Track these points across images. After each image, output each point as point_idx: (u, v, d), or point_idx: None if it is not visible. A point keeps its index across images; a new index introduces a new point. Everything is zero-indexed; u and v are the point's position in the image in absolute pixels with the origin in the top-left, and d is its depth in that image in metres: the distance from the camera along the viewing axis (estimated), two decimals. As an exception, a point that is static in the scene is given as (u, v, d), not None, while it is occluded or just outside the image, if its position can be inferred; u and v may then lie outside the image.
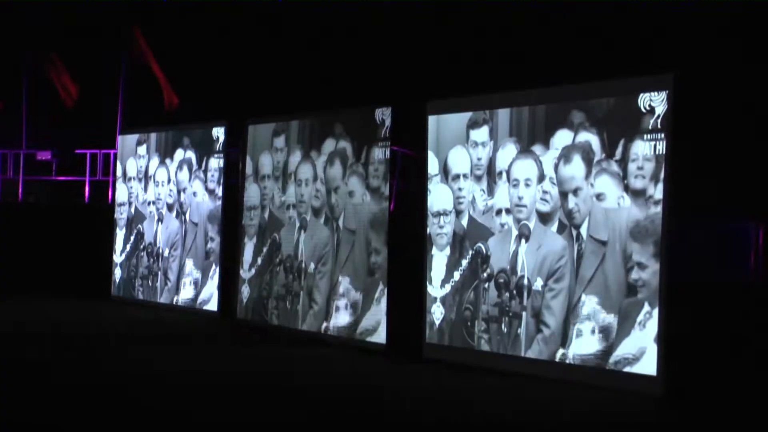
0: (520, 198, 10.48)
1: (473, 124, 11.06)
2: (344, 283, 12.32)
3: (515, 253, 10.44)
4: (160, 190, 16.39)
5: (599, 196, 9.68)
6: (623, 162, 9.52)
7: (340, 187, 12.56)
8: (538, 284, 10.17)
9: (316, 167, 13.08)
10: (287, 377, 10.22)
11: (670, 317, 9.09)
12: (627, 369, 9.29)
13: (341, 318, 12.33)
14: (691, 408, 8.93)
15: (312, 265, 12.96)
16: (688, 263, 9.75)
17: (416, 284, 11.54)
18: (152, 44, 18.94)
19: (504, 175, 10.64)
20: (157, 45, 19.27)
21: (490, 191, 10.76)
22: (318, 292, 12.82)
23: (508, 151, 10.65)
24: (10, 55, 20.13)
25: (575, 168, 9.93)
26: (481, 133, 10.98)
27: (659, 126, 9.30)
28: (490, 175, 10.79)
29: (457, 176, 11.17)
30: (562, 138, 10.09)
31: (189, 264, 15.47)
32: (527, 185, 10.43)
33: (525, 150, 10.50)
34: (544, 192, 10.21)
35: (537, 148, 10.34)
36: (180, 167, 15.92)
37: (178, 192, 15.89)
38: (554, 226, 10.08)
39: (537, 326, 10.14)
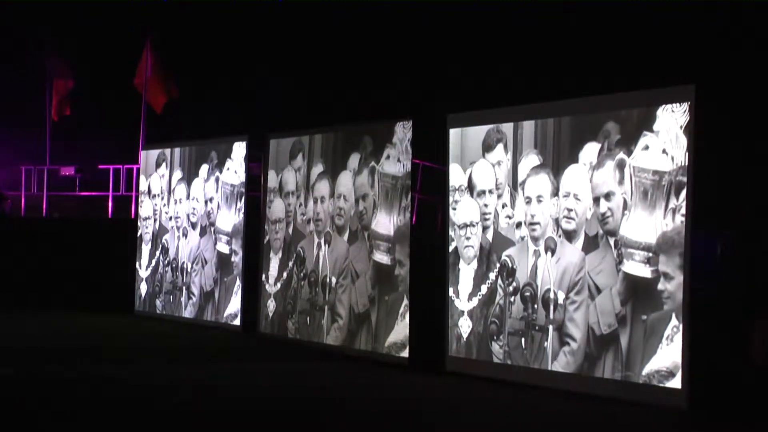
0: (533, 216, 10.52)
1: (487, 148, 11.09)
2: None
3: (535, 266, 10.47)
4: (181, 207, 16.45)
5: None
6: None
7: (368, 195, 12.58)
8: (560, 297, 10.20)
9: (341, 182, 13.12)
10: (307, 392, 10.24)
11: (694, 329, 9.07)
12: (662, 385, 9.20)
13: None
14: (716, 422, 8.89)
15: (334, 279, 13.02)
16: (712, 274, 9.73)
17: (439, 297, 11.56)
18: (163, 58, 19.09)
19: (522, 187, 10.70)
20: (177, 60, 19.43)
21: (513, 203, 10.79)
22: (341, 305, 12.88)
23: (530, 161, 10.66)
24: (33, 69, 20.34)
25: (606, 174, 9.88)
26: (495, 154, 11.01)
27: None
28: (514, 187, 10.82)
29: (483, 192, 11.18)
30: (591, 151, 10.06)
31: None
32: (539, 201, 10.45)
33: (538, 166, 10.54)
34: (568, 210, 10.23)
35: (570, 166, 10.22)
36: (206, 181, 15.97)
37: (205, 203, 15.89)
38: (579, 242, 10.10)
39: (561, 339, 10.16)
